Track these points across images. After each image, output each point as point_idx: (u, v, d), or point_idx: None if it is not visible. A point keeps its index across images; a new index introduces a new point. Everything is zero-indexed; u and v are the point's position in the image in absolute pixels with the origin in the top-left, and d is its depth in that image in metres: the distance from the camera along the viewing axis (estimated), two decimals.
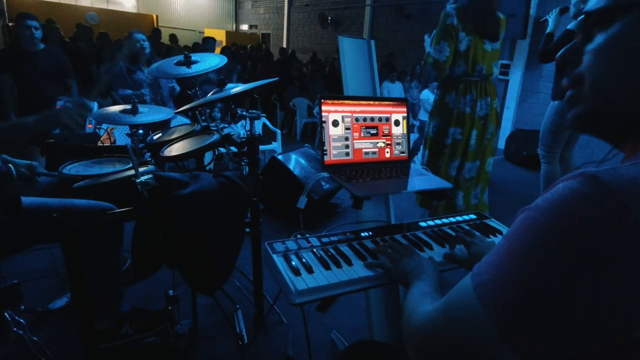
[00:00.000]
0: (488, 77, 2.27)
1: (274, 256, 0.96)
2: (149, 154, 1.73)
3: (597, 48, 0.50)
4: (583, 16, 0.52)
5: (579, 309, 0.40)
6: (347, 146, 1.34)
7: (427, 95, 5.57)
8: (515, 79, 6.15)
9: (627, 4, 0.47)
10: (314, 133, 6.50)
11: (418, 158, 4.70)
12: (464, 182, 2.36)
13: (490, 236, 1.14)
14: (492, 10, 2.20)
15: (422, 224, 1.21)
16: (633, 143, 0.51)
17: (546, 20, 2.80)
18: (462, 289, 0.51)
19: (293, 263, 0.92)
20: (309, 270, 0.91)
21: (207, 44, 4.97)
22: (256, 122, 1.78)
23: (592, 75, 0.51)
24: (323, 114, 1.29)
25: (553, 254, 0.41)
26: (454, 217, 1.27)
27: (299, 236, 1.07)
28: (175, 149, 1.71)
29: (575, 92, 0.54)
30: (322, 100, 1.29)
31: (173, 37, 9.09)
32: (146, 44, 3.35)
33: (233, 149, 1.73)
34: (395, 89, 6.29)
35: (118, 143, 2.73)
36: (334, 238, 1.07)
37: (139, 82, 3.34)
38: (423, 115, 5.63)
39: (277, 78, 2.03)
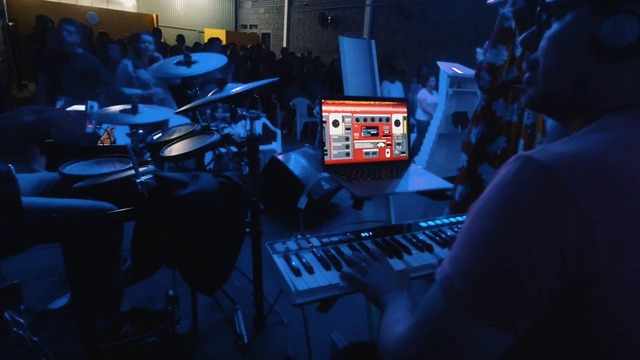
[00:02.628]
0: None
1: (275, 256, 0.95)
2: (148, 154, 1.73)
3: (551, 35, 0.55)
4: (541, 4, 0.56)
5: (539, 265, 0.44)
6: (347, 146, 1.34)
7: (425, 95, 5.57)
8: None
9: (574, 1, 0.52)
10: (314, 133, 6.50)
11: (418, 158, 4.71)
12: None
13: None
14: None
15: (422, 224, 1.21)
16: (576, 124, 0.56)
17: None
18: (430, 295, 0.53)
19: (293, 263, 0.92)
20: (310, 270, 0.90)
21: (213, 45, 5.01)
22: (256, 122, 1.78)
23: (544, 59, 0.56)
24: (323, 114, 1.29)
25: (507, 226, 0.46)
26: (454, 217, 1.27)
27: (299, 236, 1.06)
28: (175, 149, 1.71)
29: (532, 75, 0.60)
30: (323, 100, 1.29)
31: (180, 38, 9.06)
32: (151, 46, 3.46)
33: (233, 148, 1.73)
34: (395, 89, 6.29)
35: (118, 143, 2.74)
36: (335, 238, 1.07)
37: (145, 82, 3.37)
38: (420, 115, 5.64)
39: (277, 78, 2.03)
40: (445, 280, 0.50)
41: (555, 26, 0.54)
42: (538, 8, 0.57)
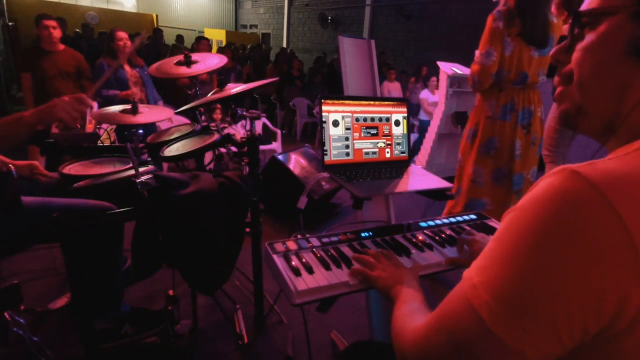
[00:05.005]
0: (532, 84, 2.17)
1: (274, 256, 0.95)
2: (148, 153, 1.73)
3: (585, 46, 0.52)
4: (574, 16, 0.54)
5: (573, 299, 0.41)
6: (347, 146, 1.33)
7: (427, 95, 5.57)
8: None
9: (612, 7, 0.49)
10: (314, 133, 6.50)
11: (418, 158, 4.71)
12: (516, 195, 2.25)
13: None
14: (541, 15, 2.07)
15: (422, 224, 1.21)
16: (615, 141, 0.52)
17: None
18: (454, 297, 0.51)
19: (293, 263, 0.92)
20: (309, 270, 0.91)
21: (200, 45, 4.97)
22: (256, 122, 1.78)
23: (580, 70, 0.53)
24: (323, 114, 1.29)
25: (543, 249, 0.42)
26: (454, 217, 1.27)
27: (299, 236, 1.06)
28: (175, 149, 1.71)
29: (565, 89, 0.57)
30: (322, 100, 1.29)
31: (180, 38, 9.03)
32: (129, 42, 3.36)
33: (233, 149, 1.73)
34: (395, 88, 6.29)
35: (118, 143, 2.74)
36: (334, 238, 1.07)
37: (123, 81, 3.32)
38: (422, 115, 5.64)
39: (277, 78, 2.03)
40: (472, 289, 0.48)
41: (590, 36, 0.52)
42: (570, 20, 0.54)
